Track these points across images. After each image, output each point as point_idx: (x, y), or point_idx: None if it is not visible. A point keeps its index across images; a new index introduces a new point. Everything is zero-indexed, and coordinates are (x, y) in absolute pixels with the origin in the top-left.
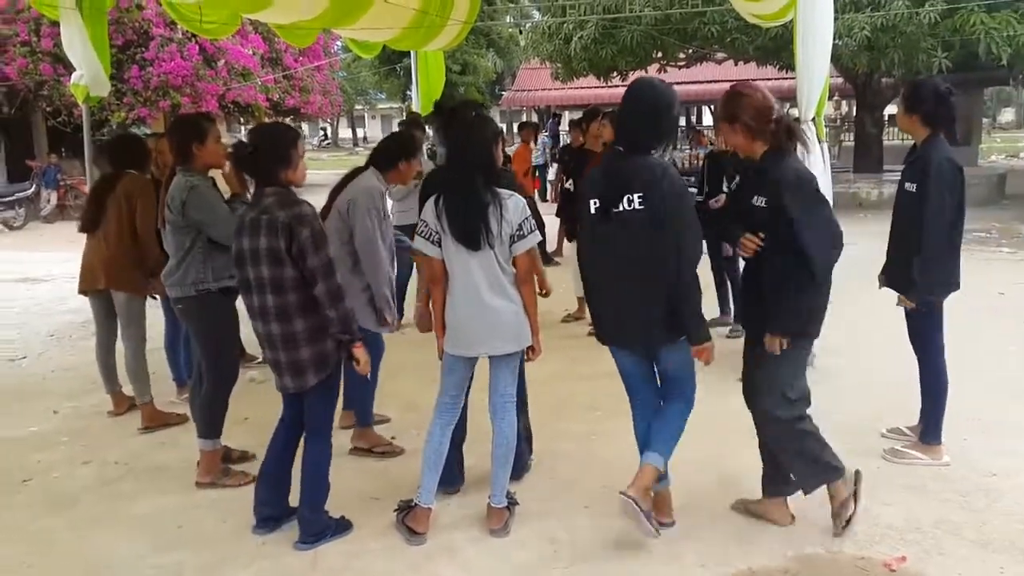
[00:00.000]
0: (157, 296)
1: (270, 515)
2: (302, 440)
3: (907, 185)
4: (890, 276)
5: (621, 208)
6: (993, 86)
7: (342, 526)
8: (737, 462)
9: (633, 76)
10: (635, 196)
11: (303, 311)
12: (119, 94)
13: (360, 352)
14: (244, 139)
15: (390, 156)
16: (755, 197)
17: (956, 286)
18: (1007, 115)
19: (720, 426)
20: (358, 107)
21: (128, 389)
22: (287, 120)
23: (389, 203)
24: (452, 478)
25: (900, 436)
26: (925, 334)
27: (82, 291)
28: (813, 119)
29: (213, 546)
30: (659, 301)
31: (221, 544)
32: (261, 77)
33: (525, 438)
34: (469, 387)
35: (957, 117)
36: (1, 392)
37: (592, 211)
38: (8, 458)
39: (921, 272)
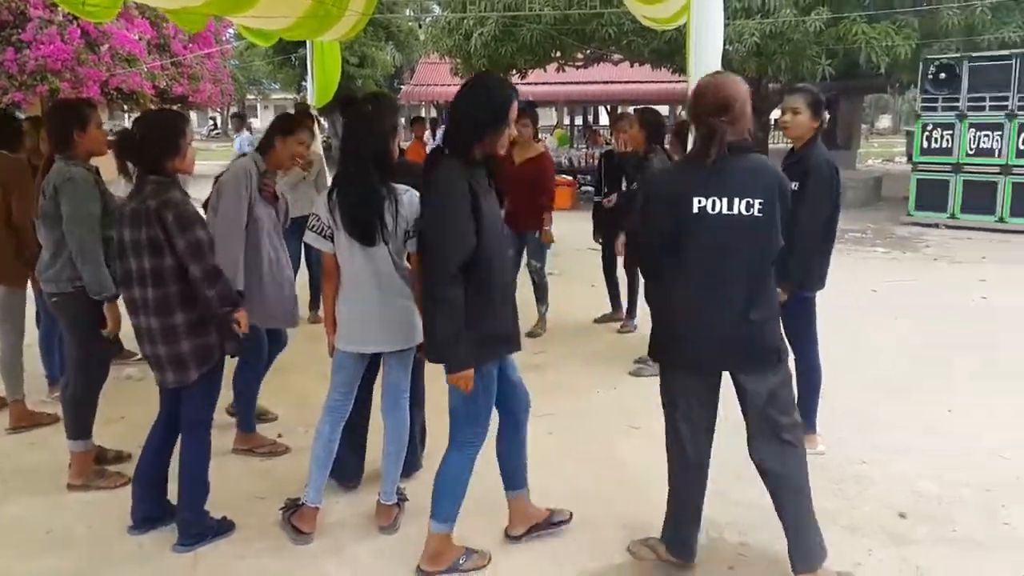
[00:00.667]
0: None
1: (147, 515)
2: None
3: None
4: None
5: None
6: (872, 93)
7: (224, 527)
8: (626, 455)
9: (532, 74)
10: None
11: (183, 304)
12: None
13: (242, 315)
14: (129, 127)
15: (267, 135)
16: None
17: (823, 282)
18: (884, 121)
19: (609, 419)
20: (250, 97)
21: None
22: (175, 108)
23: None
24: (352, 473)
25: None
26: (799, 328)
27: None
28: None
29: (87, 550)
30: None
31: (96, 548)
32: (147, 63)
33: (420, 436)
34: (372, 383)
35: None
36: None
37: None
38: None
39: (797, 267)
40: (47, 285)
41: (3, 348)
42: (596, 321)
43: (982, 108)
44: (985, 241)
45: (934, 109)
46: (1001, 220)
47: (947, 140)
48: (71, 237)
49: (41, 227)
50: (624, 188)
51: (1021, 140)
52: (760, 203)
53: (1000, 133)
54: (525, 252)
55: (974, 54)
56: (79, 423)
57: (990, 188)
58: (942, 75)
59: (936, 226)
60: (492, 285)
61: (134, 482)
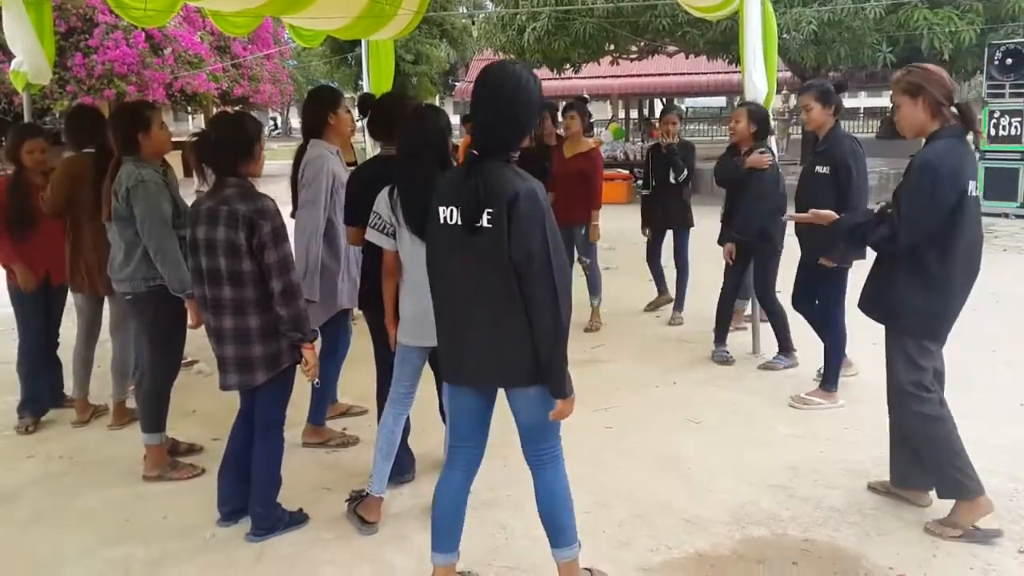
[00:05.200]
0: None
1: (234, 508)
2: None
3: (819, 168)
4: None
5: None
6: None
7: (297, 519)
8: (685, 450)
9: (586, 67)
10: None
11: (259, 307)
12: (62, 82)
13: (310, 354)
14: (205, 128)
15: (315, 118)
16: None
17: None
18: None
19: (668, 414)
20: None
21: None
22: (236, 109)
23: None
24: (403, 467)
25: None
26: (832, 295)
27: (75, 290)
28: None
29: (161, 539)
30: None
31: (169, 537)
32: (210, 65)
33: None
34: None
35: None
36: None
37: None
38: None
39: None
40: (121, 285)
41: (116, 349)
42: (646, 309)
43: None
44: None
45: (1001, 95)
46: None
47: (1015, 127)
48: (148, 237)
49: (114, 228)
50: (674, 180)
51: None
52: None
53: None
54: (575, 247)
55: None
56: (153, 418)
57: None
58: (1008, 60)
59: (1005, 216)
60: None
61: (220, 477)
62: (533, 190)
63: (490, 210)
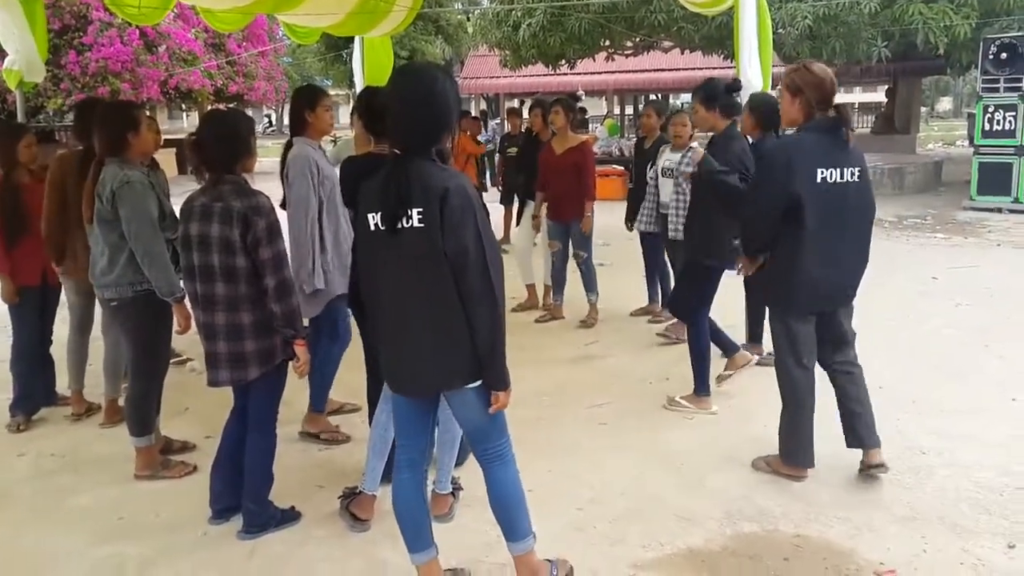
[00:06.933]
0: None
1: (227, 506)
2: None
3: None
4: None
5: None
6: (931, 75)
7: (289, 516)
8: (679, 446)
9: (581, 64)
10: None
11: (252, 303)
12: (55, 80)
13: (302, 351)
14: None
15: (295, 116)
16: None
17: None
18: (945, 104)
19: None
20: None
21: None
22: (231, 106)
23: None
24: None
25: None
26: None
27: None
28: None
29: (154, 537)
30: None
31: (162, 535)
32: (204, 62)
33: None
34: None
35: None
36: None
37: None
38: None
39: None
40: (106, 291)
41: (108, 350)
42: (633, 314)
43: None
44: None
45: (996, 90)
46: None
47: (1010, 122)
48: (135, 240)
49: (96, 232)
50: (650, 177)
51: None
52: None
53: None
54: (571, 242)
55: None
56: (141, 422)
57: None
58: (1003, 55)
59: (999, 210)
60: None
61: (213, 475)
62: (462, 185)
63: (420, 209)
